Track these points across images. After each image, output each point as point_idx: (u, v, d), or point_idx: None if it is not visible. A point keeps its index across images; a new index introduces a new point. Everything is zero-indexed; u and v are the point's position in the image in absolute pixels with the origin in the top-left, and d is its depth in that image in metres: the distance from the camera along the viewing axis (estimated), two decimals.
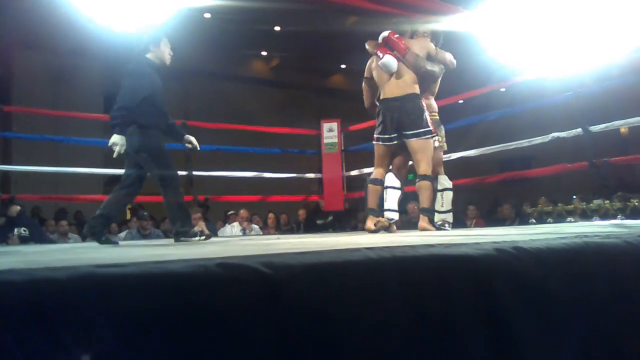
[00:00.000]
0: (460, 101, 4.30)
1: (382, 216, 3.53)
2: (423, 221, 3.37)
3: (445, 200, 3.65)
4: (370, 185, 3.62)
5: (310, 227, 7.03)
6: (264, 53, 13.20)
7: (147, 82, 3.29)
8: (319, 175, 6.77)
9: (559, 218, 5.21)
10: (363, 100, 3.95)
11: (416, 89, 3.44)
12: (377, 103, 3.66)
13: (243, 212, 6.70)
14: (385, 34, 3.60)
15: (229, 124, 7.90)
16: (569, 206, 5.25)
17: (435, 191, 3.61)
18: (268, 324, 0.65)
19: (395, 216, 3.63)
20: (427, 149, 3.40)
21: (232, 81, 12.87)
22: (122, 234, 6.57)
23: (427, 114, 3.46)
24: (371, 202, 3.55)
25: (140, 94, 3.21)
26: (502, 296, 0.84)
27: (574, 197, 6.01)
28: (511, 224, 5.67)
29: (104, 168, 8.55)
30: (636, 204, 4.47)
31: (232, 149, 7.19)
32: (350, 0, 2.16)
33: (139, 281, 0.61)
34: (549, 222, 5.09)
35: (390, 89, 3.47)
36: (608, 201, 4.99)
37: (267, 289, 0.65)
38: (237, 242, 3.06)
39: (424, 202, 3.42)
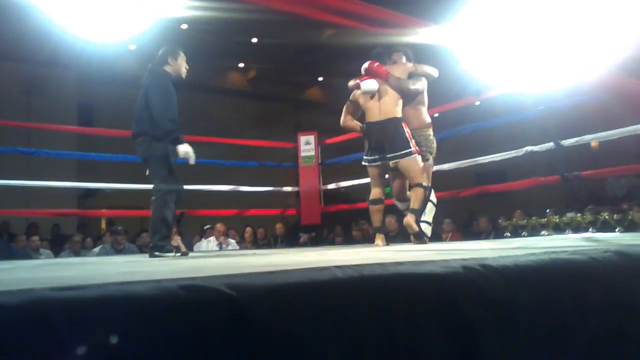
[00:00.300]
0: (436, 114, 4.42)
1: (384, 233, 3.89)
2: (410, 218, 3.59)
3: (427, 212, 3.77)
4: (370, 206, 3.85)
5: (291, 241, 7.02)
6: (241, 65, 13.18)
7: (173, 94, 3.44)
8: (296, 189, 6.76)
9: (534, 231, 5.28)
10: (340, 113, 4.14)
11: (397, 113, 3.67)
12: (361, 125, 3.93)
13: (219, 227, 6.64)
14: (365, 65, 3.84)
15: (205, 136, 7.85)
16: (543, 219, 5.32)
17: (428, 196, 3.79)
18: (233, 349, 0.64)
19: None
20: (415, 165, 3.64)
21: (208, 93, 12.81)
22: (96, 249, 6.45)
23: (408, 134, 3.66)
24: (375, 221, 3.84)
25: (175, 106, 3.41)
26: (469, 315, 0.84)
27: (548, 210, 6.11)
28: (487, 237, 5.73)
29: (78, 181, 8.44)
30: (606, 217, 4.56)
31: (208, 162, 7.14)
32: (325, 16, 2.18)
33: (98, 305, 0.59)
34: (524, 236, 5.16)
35: (373, 113, 3.72)
36: (580, 214, 5.09)
37: (232, 312, 0.64)
38: (210, 258, 3.03)
39: (415, 203, 3.63)
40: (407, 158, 3.62)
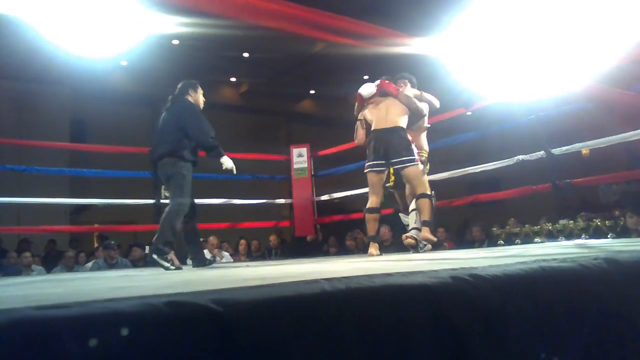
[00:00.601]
0: (428, 125, 4.50)
1: (379, 242, 3.98)
2: (425, 232, 3.71)
3: (418, 219, 3.93)
4: (367, 215, 3.91)
5: (286, 252, 6.99)
6: (233, 79, 13.20)
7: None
8: (289, 201, 6.75)
9: (527, 239, 5.29)
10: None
11: (402, 123, 3.86)
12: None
13: (212, 239, 6.61)
14: (377, 82, 4.10)
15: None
16: (536, 227, 5.33)
17: (410, 210, 4.04)
18: None
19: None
20: (418, 173, 3.81)
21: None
22: (89, 265, 6.39)
23: (413, 144, 3.88)
24: (370, 230, 3.89)
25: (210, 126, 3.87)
26: (459, 325, 0.84)
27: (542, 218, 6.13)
28: (480, 245, 5.74)
29: (71, 197, 8.39)
30: (598, 223, 4.58)
31: (202, 176, 7.12)
32: (314, 32, 2.20)
33: (82, 324, 0.59)
34: (517, 243, 5.17)
35: (379, 122, 3.88)
36: (572, 221, 5.11)
37: (218, 328, 0.64)
38: (202, 271, 3.01)
39: (425, 215, 3.77)
40: (411, 166, 3.76)
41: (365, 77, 12.46)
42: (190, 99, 4.06)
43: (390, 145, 3.79)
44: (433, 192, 4.04)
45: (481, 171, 5.11)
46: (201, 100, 4.16)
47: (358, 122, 4.17)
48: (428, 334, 0.81)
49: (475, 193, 4.77)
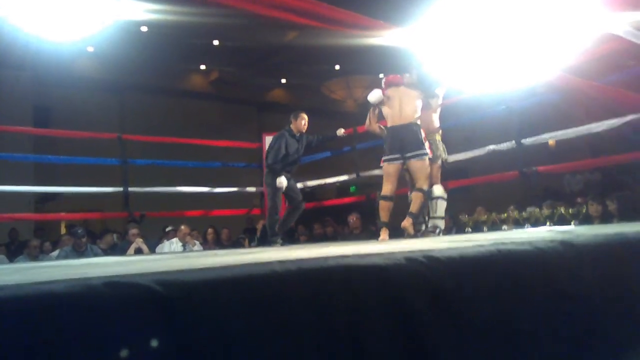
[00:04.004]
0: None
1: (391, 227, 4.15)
2: (407, 221, 3.98)
3: (438, 208, 4.29)
4: (381, 202, 4.18)
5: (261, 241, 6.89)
6: (202, 67, 12.99)
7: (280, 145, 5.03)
8: (260, 189, 6.70)
9: (494, 226, 5.38)
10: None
11: (415, 119, 4.15)
12: (383, 129, 4.43)
13: (184, 228, 6.52)
14: (383, 78, 4.46)
15: (167, 137, 7.70)
16: (503, 215, 5.42)
17: (429, 199, 4.29)
18: (160, 345, 0.61)
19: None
20: (424, 168, 4.12)
21: (170, 95, 12.59)
22: (55, 253, 6.22)
23: (424, 137, 4.18)
24: (383, 217, 4.13)
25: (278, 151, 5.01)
26: (414, 305, 0.84)
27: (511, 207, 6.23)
28: (448, 232, 5.80)
29: (35, 185, 8.17)
30: (562, 211, 4.68)
31: (170, 163, 7.02)
32: (287, 15, 2.17)
33: (15, 306, 0.56)
34: (485, 231, 5.25)
35: (395, 118, 4.20)
36: (538, 209, 5.21)
37: (160, 308, 0.62)
38: (169, 260, 2.96)
39: (413, 207, 4.05)
40: (419, 160, 4.09)
41: (337, 67, 12.47)
42: (292, 126, 5.12)
43: (405, 141, 4.12)
44: (446, 194, 4.37)
45: (452, 161, 5.16)
46: (302, 125, 5.12)
47: (371, 109, 4.52)
48: (382, 314, 0.80)
49: (443, 181, 4.82)
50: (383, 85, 4.38)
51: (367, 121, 4.60)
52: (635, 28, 2.84)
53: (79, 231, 6.21)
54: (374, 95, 4.41)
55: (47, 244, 6.65)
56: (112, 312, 0.60)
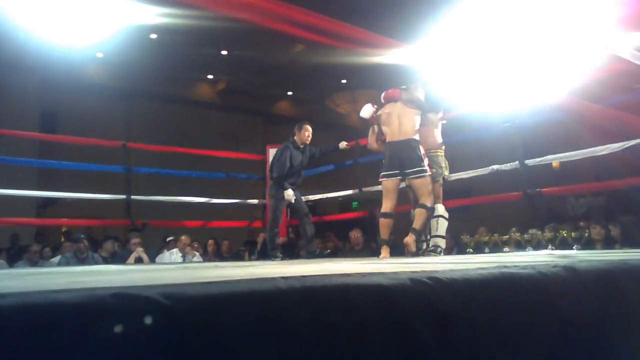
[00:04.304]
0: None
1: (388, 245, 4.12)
2: (410, 238, 3.96)
3: (439, 227, 4.24)
4: (381, 219, 4.16)
5: (261, 254, 6.88)
6: (210, 77, 13.07)
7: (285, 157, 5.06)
8: (263, 201, 6.70)
9: (496, 248, 5.35)
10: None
11: (414, 135, 4.14)
12: (381, 144, 4.43)
13: (185, 238, 6.52)
14: (383, 95, 4.45)
15: (172, 146, 7.71)
16: (505, 236, 5.39)
17: (430, 217, 4.23)
18: (166, 358, 0.61)
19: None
20: (426, 185, 4.10)
21: (177, 104, 12.65)
22: (56, 259, 6.21)
23: (423, 154, 4.15)
24: (383, 234, 4.12)
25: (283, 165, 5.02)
26: (415, 326, 0.84)
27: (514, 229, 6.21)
28: (449, 253, 5.79)
29: (38, 190, 8.17)
30: (565, 234, 4.66)
31: (174, 172, 7.04)
32: (295, 30, 2.19)
33: (18, 315, 0.56)
34: (486, 252, 5.23)
35: (393, 134, 4.19)
36: (540, 232, 5.19)
37: (167, 321, 0.62)
38: (169, 271, 2.96)
39: (417, 224, 4.05)
40: (420, 177, 4.07)
41: (343, 81, 12.53)
42: (296, 137, 5.16)
43: (404, 157, 4.10)
44: (447, 213, 4.32)
45: (454, 180, 5.15)
46: (305, 137, 5.18)
47: (371, 127, 4.54)
48: (384, 334, 0.80)
49: (445, 200, 4.82)
50: (382, 101, 4.39)
51: (369, 139, 4.61)
52: (638, 50, 2.85)
53: (80, 237, 6.21)
54: (366, 111, 4.47)
55: (47, 250, 6.65)
56: (118, 323, 0.60)
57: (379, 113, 4.41)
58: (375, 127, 4.49)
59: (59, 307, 0.58)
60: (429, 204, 4.08)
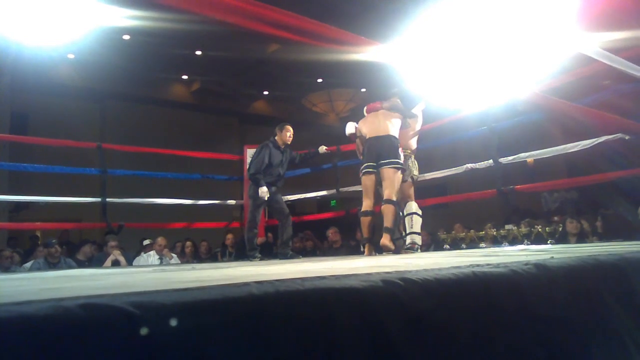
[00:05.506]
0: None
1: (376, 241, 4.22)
2: (385, 239, 3.98)
3: (414, 224, 4.36)
4: (361, 218, 4.26)
5: (239, 255, 6.85)
6: (184, 77, 12.94)
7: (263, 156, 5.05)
8: (240, 202, 6.67)
9: (472, 243, 5.43)
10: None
11: (393, 130, 4.30)
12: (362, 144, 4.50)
13: (161, 240, 6.45)
14: (365, 108, 4.68)
15: (147, 147, 7.61)
16: (481, 232, 5.48)
17: (404, 215, 4.39)
18: None
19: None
20: (395, 178, 4.16)
21: (151, 105, 12.49)
22: (28, 265, 6.09)
23: (400, 151, 4.30)
24: (365, 232, 4.22)
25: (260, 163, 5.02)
26: (389, 328, 0.84)
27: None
28: (427, 249, 5.85)
29: (9, 194, 7.99)
30: (539, 230, 4.75)
31: (150, 174, 6.95)
32: (268, 29, 2.18)
33: None
34: (463, 248, 5.30)
35: (373, 131, 4.34)
36: (516, 227, 5.27)
37: (135, 331, 0.61)
38: (146, 274, 2.92)
39: (388, 222, 4.05)
40: (392, 167, 4.14)
41: (319, 80, 12.54)
42: (277, 137, 5.15)
43: (381, 149, 4.19)
44: (420, 210, 4.47)
45: (430, 179, 5.21)
46: (287, 137, 5.17)
47: (357, 139, 4.63)
48: (358, 337, 0.81)
49: (422, 198, 4.88)
50: (365, 114, 4.57)
51: (358, 152, 4.71)
52: (603, 48, 2.91)
53: (52, 242, 6.10)
54: (349, 128, 4.71)
55: (16, 255, 6.49)
56: (85, 334, 0.59)
57: (358, 125, 4.58)
58: (358, 140, 4.62)
59: (23, 320, 0.57)
60: (394, 198, 4.14)
